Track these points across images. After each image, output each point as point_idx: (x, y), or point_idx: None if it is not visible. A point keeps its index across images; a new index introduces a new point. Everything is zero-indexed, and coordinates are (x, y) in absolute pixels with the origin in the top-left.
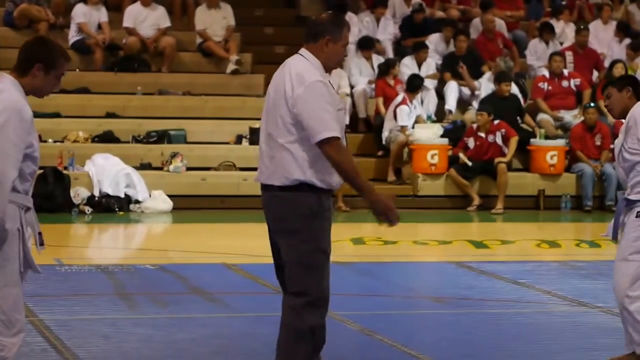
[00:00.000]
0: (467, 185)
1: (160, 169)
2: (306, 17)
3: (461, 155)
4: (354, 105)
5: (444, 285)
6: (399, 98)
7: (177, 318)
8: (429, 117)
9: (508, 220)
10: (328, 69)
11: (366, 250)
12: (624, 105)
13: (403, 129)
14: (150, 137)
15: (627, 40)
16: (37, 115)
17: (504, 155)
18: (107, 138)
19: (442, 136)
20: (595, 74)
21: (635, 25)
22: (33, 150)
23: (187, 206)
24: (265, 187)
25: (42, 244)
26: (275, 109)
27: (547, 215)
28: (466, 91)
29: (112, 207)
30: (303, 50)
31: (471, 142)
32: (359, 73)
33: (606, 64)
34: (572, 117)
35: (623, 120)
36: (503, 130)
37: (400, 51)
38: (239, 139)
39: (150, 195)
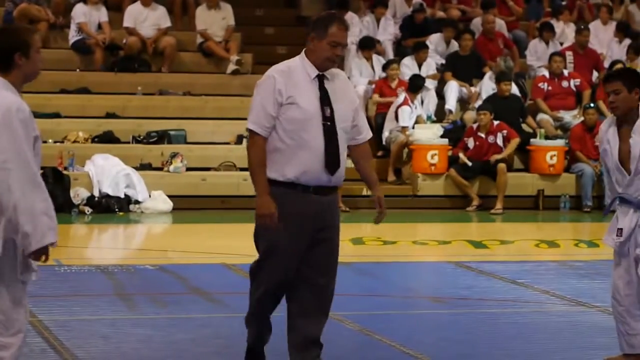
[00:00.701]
0: (466, 185)
1: (160, 169)
2: (307, 17)
3: (461, 155)
4: None
5: (443, 285)
6: (401, 98)
7: (177, 318)
8: (429, 118)
9: (507, 221)
10: (321, 68)
11: (365, 250)
12: (630, 106)
13: (404, 129)
14: (150, 137)
15: (627, 41)
16: (37, 115)
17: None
18: (107, 138)
19: (442, 136)
20: (595, 74)
21: (636, 26)
22: (37, 145)
23: (187, 206)
24: None
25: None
26: None
27: (546, 215)
28: (466, 91)
29: (112, 208)
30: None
31: (471, 143)
32: (359, 74)
33: (606, 64)
34: (571, 117)
35: None
36: (505, 131)
37: (401, 51)
38: (239, 139)
39: (150, 196)
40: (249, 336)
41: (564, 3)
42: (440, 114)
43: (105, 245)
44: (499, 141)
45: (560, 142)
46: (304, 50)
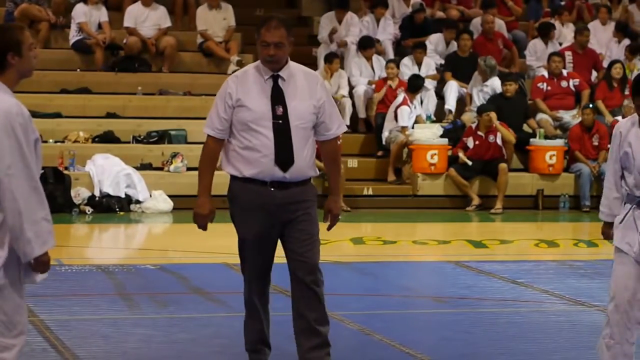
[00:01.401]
0: (466, 185)
1: (161, 169)
2: (307, 17)
3: (460, 154)
4: (354, 105)
5: (442, 285)
6: (400, 98)
7: (178, 318)
8: (428, 118)
9: (507, 220)
10: (270, 68)
11: (366, 250)
12: None
13: (403, 129)
14: (151, 137)
15: (626, 41)
16: (38, 115)
17: (503, 155)
18: (108, 138)
19: (441, 136)
20: (594, 74)
21: (634, 26)
22: (37, 147)
23: (187, 206)
24: None
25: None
26: None
27: (546, 215)
28: (465, 92)
29: (112, 207)
30: None
31: (470, 142)
32: (359, 74)
33: (605, 64)
34: (571, 117)
35: (618, 119)
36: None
37: (400, 51)
38: None
39: (150, 195)
40: (245, 335)
41: (563, 3)
42: (440, 114)
43: (106, 245)
44: (499, 141)
45: (559, 142)
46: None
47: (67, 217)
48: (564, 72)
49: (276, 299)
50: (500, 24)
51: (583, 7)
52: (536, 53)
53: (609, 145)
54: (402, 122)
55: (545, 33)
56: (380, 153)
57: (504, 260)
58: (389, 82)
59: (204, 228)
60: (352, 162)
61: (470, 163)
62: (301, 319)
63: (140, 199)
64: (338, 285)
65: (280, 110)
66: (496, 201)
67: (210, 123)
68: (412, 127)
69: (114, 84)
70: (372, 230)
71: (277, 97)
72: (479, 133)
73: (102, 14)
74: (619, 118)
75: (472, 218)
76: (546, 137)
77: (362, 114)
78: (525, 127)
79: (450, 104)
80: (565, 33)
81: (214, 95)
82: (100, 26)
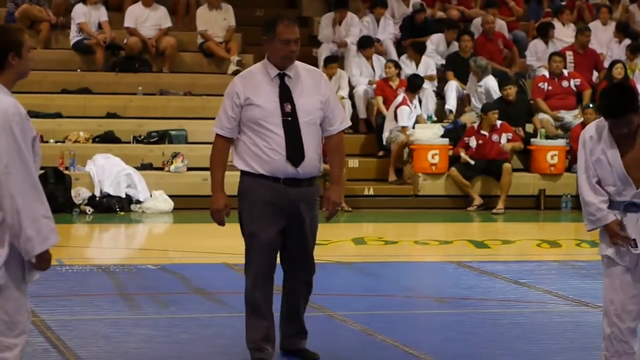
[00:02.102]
0: (467, 185)
1: (161, 169)
2: (307, 17)
3: (462, 154)
4: (354, 106)
5: (444, 285)
6: (399, 98)
7: (179, 318)
8: (429, 117)
9: (508, 220)
10: (280, 67)
11: (367, 250)
12: None
13: (404, 129)
14: (151, 137)
15: (627, 41)
16: (38, 115)
17: (505, 155)
18: (108, 138)
19: (442, 136)
20: (595, 74)
21: (635, 26)
22: (35, 145)
23: (188, 206)
24: None
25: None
26: None
27: (548, 215)
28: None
29: (113, 207)
30: None
31: (473, 142)
32: (360, 74)
33: (605, 64)
34: (572, 117)
35: None
36: (510, 134)
37: (401, 52)
38: None
39: (151, 196)
40: (248, 334)
41: (563, 3)
42: (440, 114)
43: (106, 245)
44: (503, 141)
45: (561, 142)
46: (266, 55)
47: (68, 217)
48: (565, 72)
49: (277, 299)
50: (501, 24)
51: (584, 7)
52: (537, 53)
53: None
54: (402, 122)
55: (545, 33)
56: (381, 153)
57: (506, 260)
58: (390, 83)
59: (222, 223)
60: (353, 163)
61: (472, 162)
62: (290, 310)
63: (141, 199)
64: (340, 286)
65: (288, 107)
66: (498, 201)
67: (219, 122)
68: (413, 127)
69: (114, 84)
70: (373, 231)
71: (285, 95)
72: (483, 132)
73: (101, 14)
74: None
75: (474, 218)
76: (547, 137)
77: (362, 114)
78: (527, 127)
79: (451, 104)
80: (566, 33)
81: (215, 95)
82: (100, 26)
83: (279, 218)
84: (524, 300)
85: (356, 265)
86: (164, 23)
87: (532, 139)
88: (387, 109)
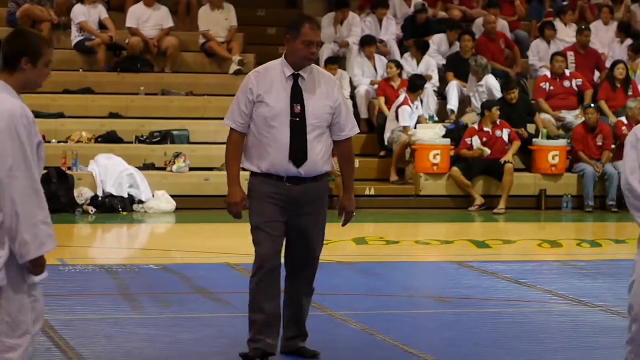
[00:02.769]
0: (469, 185)
1: (164, 169)
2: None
3: (477, 145)
4: (355, 106)
5: (446, 285)
6: (401, 99)
7: (181, 318)
8: (431, 118)
9: (510, 220)
10: (298, 67)
11: (368, 250)
12: None
13: (405, 129)
14: (154, 137)
15: (629, 41)
16: (41, 115)
17: (506, 153)
18: (111, 138)
19: (444, 136)
20: (597, 74)
21: (637, 26)
22: (40, 150)
23: (190, 206)
24: None
25: None
26: None
27: (549, 215)
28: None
29: (115, 208)
30: None
31: (476, 140)
32: (362, 74)
33: (607, 64)
34: (573, 117)
35: (622, 120)
36: (509, 130)
37: (403, 52)
38: None
39: (153, 196)
40: (250, 331)
41: (565, 3)
42: (442, 114)
43: (109, 245)
44: (505, 137)
45: (562, 142)
46: (284, 53)
47: (71, 217)
48: (567, 72)
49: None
50: (502, 24)
51: (585, 8)
52: (539, 53)
53: (613, 146)
54: (403, 122)
55: (544, 33)
56: (382, 153)
57: (507, 260)
58: (391, 83)
59: (239, 216)
60: (355, 163)
61: (489, 151)
62: (292, 313)
63: (143, 199)
64: (341, 286)
65: (298, 108)
66: (500, 201)
67: (232, 116)
68: (415, 127)
69: (116, 84)
70: (374, 231)
71: (297, 96)
72: (486, 129)
73: (101, 12)
74: (623, 119)
75: (475, 218)
76: (549, 138)
77: (364, 115)
78: (529, 128)
79: (453, 104)
80: (568, 33)
81: (217, 95)
82: (101, 24)
83: (283, 212)
84: (524, 300)
85: (357, 265)
86: (165, 23)
87: (533, 139)
88: (389, 109)
